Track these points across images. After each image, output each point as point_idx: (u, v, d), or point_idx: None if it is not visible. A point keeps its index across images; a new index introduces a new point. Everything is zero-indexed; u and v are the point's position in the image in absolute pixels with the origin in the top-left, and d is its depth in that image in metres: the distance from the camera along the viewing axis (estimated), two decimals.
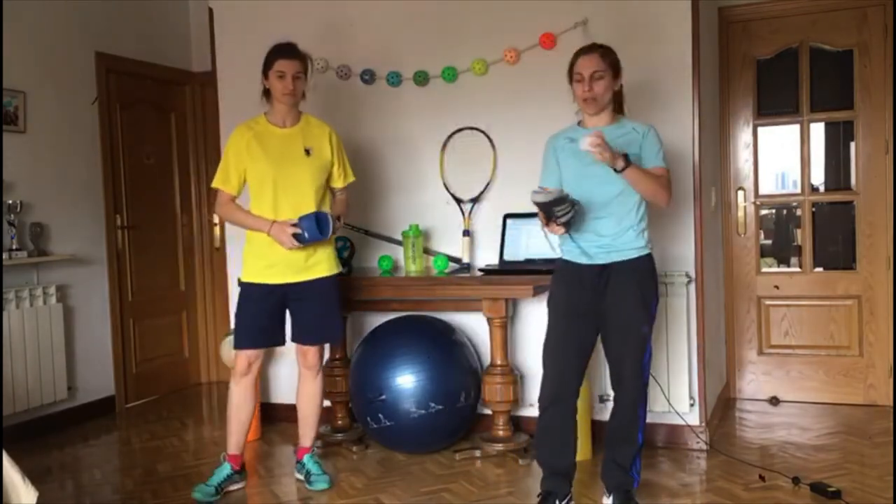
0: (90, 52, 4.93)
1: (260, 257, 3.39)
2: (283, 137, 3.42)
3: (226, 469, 3.50)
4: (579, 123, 3.10)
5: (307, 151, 3.43)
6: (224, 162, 3.42)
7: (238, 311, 3.48)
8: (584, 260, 2.99)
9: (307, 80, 3.48)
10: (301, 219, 3.28)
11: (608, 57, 2.98)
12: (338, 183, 3.57)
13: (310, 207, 3.36)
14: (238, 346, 3.48)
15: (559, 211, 2.80)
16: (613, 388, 3.12)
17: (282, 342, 3.59)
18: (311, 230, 3.26)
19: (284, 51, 3.39)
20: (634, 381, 3.03)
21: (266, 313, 3.45)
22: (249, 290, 3.44)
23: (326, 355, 4.16)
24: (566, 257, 3.06)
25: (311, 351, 3.59)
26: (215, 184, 3.43)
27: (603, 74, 2.94)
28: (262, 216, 3.35)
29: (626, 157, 2.80)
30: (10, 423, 4.13)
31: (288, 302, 3.48)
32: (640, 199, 2.98)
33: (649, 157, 2.96)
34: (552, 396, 3.00)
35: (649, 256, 3.03)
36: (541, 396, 3.04)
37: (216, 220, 5.60)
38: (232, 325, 3.87)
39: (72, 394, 4.67)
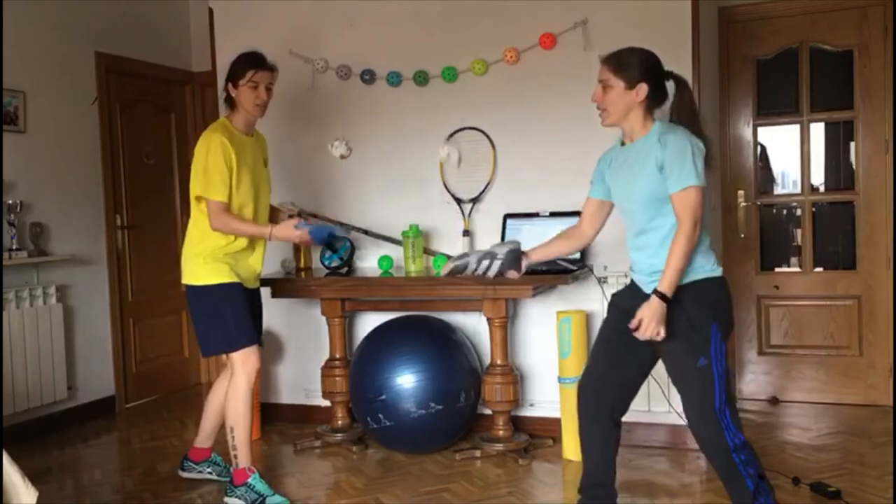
0: (90, 52, 4.93)
1: (223, 261, 3.32)
2: (251, 147, 3.41)
3: (258, 478, 3.32)
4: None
5: (265, 162, 3.50)
6: (214, 171, 3.23)
7: (227, 311, 3.30)
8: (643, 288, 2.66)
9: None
10: (308, 225, 3.32)
11: (617, 66, 2.60)
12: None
13: (265, 218, 3.46)
14: (248, 342, 3.31)
15: (481, 268, 2.78)
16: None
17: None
18: (322, 241, 3.31)
19: (258, 61, 3.34)
20: (702, 429, 2.63)
21: (248, 311, 3.38)
22: (231, 289, 3.32)
23: (326, 355, 4.16)
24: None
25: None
26: (216, 195, 3.23)
27: (609, 84, 2.60)
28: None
29: (659, 297, 2.46)
30: (10, 423, 4.13)
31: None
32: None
33: (669, 180, 2.50)
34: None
35: (708, 281, 2.56)
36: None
37: None
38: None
39: (72, 394, 4.67)
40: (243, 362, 3.32)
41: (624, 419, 3.93)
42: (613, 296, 2.85)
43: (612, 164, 2.73)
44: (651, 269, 2.61)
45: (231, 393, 3.33)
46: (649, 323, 2.48)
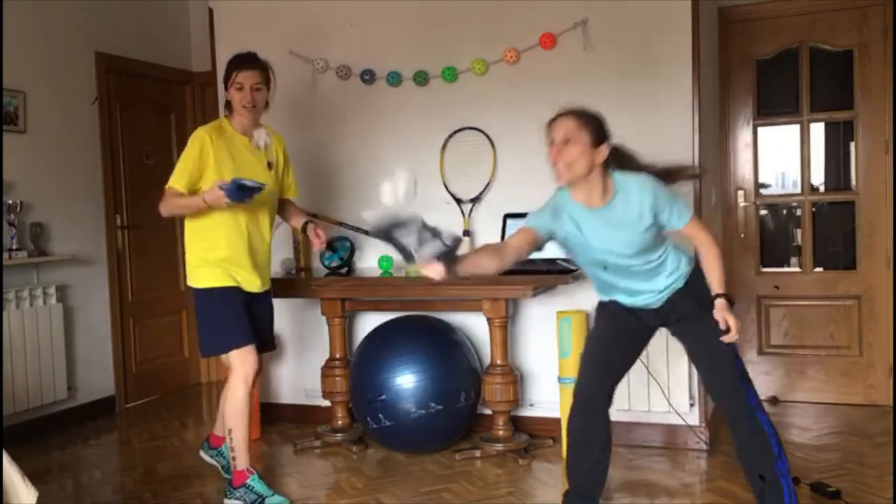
0: (90, 52, 4.93)
1: (217, 265, 3.31)
2: (250, 148, 3.40)
3: (257, 479, 3.31)
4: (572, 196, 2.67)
5: (269, 164, 3.45)
6: (185, 163, 3.27)
7: (220, 314, 3.31)
8: (629, 302, 2.80)
9: (270, 91, 3.41)
10: (226, 183, 3.14)
11: (585, 121, 2.58)
12: (291, 193, 3.64)
13: (268, 220, 3.43)
14: (240, 343, 3.30)
15: (403, 240, 2.32)
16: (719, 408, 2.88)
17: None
18: (233, 194, 3.11)
19: (242, 62, 3.34)
20: (733, 395, 2.76)
21: (246, 312, 3.36)
22: (225, 293, 3.31)
23: (326, 355, 4.16)
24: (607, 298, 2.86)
25: (259, 357, 3.55)
26: (174, 182, 3.27)
27: (575, 138, 2.55)
28: (222, 218, 3.28)
29: (724, 297, 2.64)
30: (10, 423, 4.13)
31: (249, 309, 3.42)
32: (665, 248, 2.72)
33: (671, 220, 2.62)
34: None
35: (693, 272, 2.74)
36: None
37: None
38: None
39: (72, 394, 4.67)
40: (241, 363, 3.31)
41: (623, 419, 3.97)
42: (605, 307, 2.87)
43: (577, 226, 2.64)
44: (658, 288, 2.73)
45: (229, 395, 3.34)
46: (733, 321, 2.63)
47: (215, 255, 3.32)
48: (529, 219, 2.72)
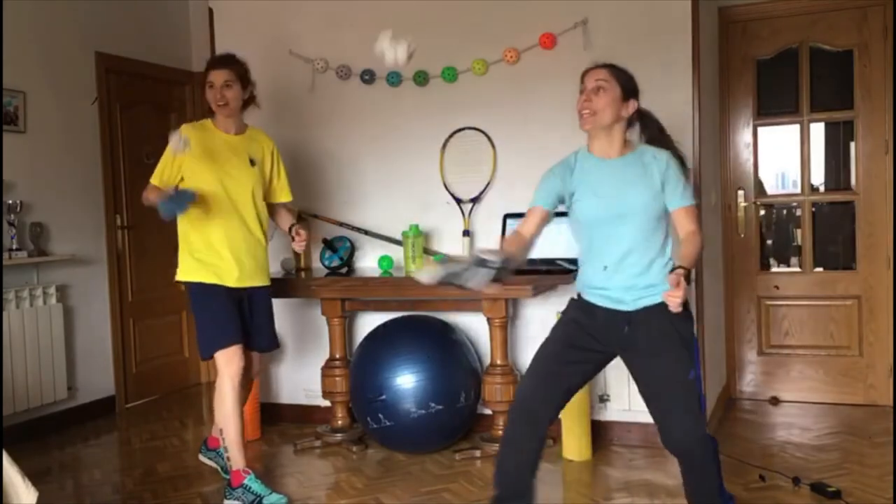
0: (90, 52, 4.93)
1: (200, 259, 3.32)
2: (229, 143, 3.42)
3: (254, 479, 3.30)
4: (589, 148, 2.67)
5: (252, 161, 3.44)
6: (163, 158, 3.39)
7: (204, 315, 3.32)
8: (608, 304, 2.61)
9: (248, 89, 3.44)
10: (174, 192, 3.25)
11: (618, 73, 2.62)
12: (283, 197, 3.61)
13: (252, 216, 3.41)
14: (225, 343, 3.28)
15: (474, 282, 2.38)
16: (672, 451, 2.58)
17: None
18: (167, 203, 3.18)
19: (213, 61, 3.42)
20: (698, 437, 2.52)
21: (234, 311, 3.35)
22: (206, 290, 3.31)
23: (326, 355, 4.16)
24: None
25: (258, 357, 3.59)
26: (152, 178, 3.42)
27: (606, 87, 2.57)
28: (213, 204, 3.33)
29: (683, 270, 2.38)
30: (10, 423, 4.13)
31: (241, 307, 3.41)
32: (660, 252, 2.59)
33: (674, 196, 2.56)
34: None
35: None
36: None
37: None
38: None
39: (72, 394, 4.67)
40: (226, 363, 3.31)
41: (623, 419, 3.98)
42: (573, 312, 2.73)
43: (587, 177, 2.63)
44: (640, 286, 2.55)
45: (217, 395, 3.35)
46: (682, 290, 2.32)
47: (190, 249, 3.34)
48: (535, 197, 2.70)
